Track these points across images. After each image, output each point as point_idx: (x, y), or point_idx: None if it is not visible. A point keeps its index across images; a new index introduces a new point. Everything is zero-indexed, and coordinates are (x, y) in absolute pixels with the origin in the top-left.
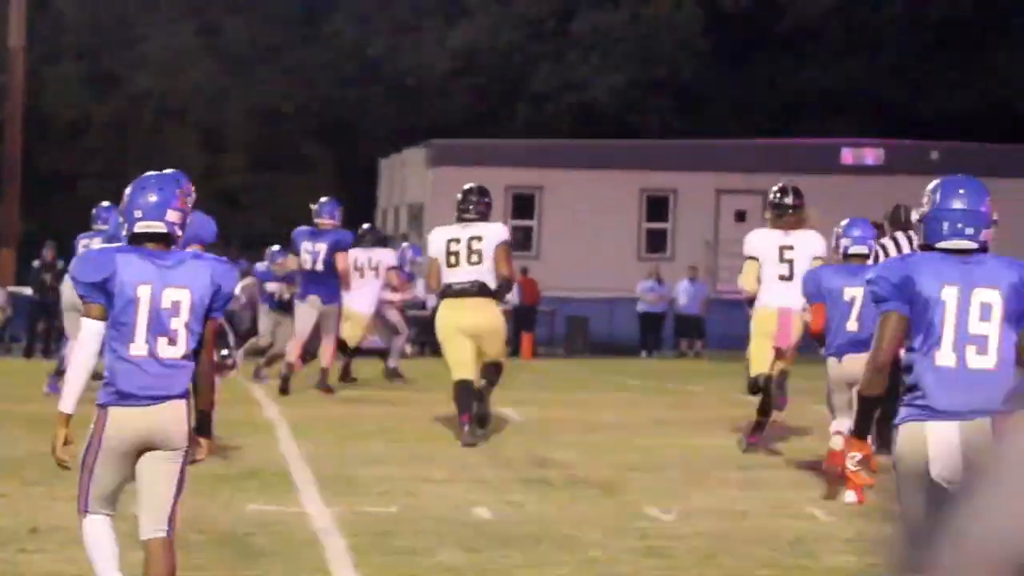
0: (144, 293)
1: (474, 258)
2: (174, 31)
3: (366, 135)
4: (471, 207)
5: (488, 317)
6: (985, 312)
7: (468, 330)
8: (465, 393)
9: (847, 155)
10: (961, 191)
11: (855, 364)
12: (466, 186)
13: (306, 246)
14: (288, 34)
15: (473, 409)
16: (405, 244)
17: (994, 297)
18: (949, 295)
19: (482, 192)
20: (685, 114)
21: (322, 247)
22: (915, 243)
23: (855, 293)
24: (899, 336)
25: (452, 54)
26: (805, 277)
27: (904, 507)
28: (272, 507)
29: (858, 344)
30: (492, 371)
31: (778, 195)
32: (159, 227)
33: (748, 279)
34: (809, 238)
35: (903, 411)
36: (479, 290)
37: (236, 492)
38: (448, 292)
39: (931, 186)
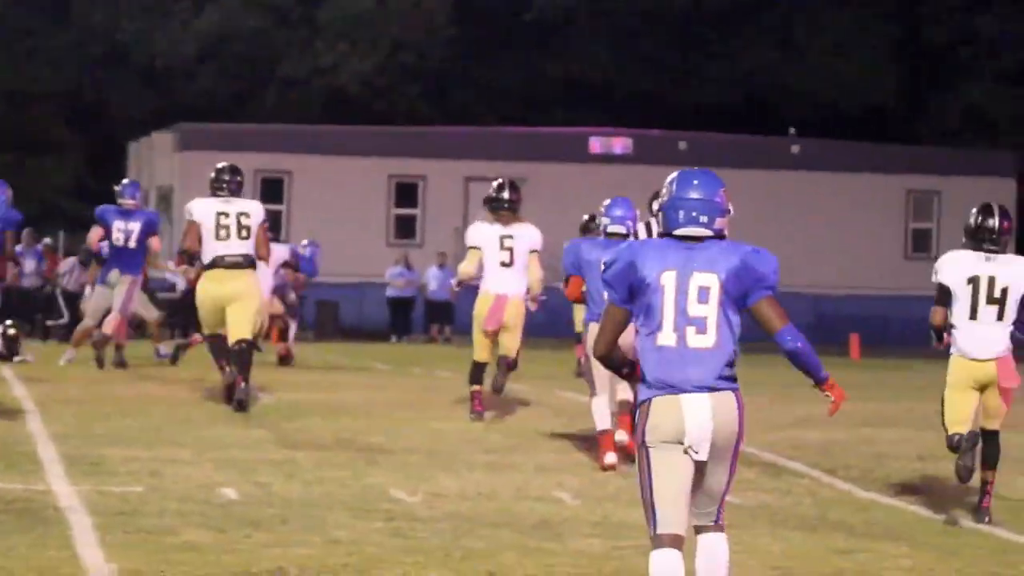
0: None
1: (243, 233)
2: None
3: (115, 118)
4: (224, 184)
5: (250, 287)
6: (703, 295)
7: (228, 298)
8: (219, 346)
9: (595, 144)
10: (695, 182)
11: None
12: (219, 164)
13: (118, 225)
14: (37, 16)
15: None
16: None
17: (712, 281)
18: (668, 279)
19: (234, 170)
20: (434, 101)
21: (135, 227)
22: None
23: None
24: (618, 326)
25: (200, 38)
26: (566, 249)
27: (652, 476)
28: (17, 485)
29: None
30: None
31: (495, 191)
32: None
33: (468, 266)
34: (526, 230)
35: (642, 391)
36: (247, 262)
37: None
38: (219, 263)
39: (669, 178)
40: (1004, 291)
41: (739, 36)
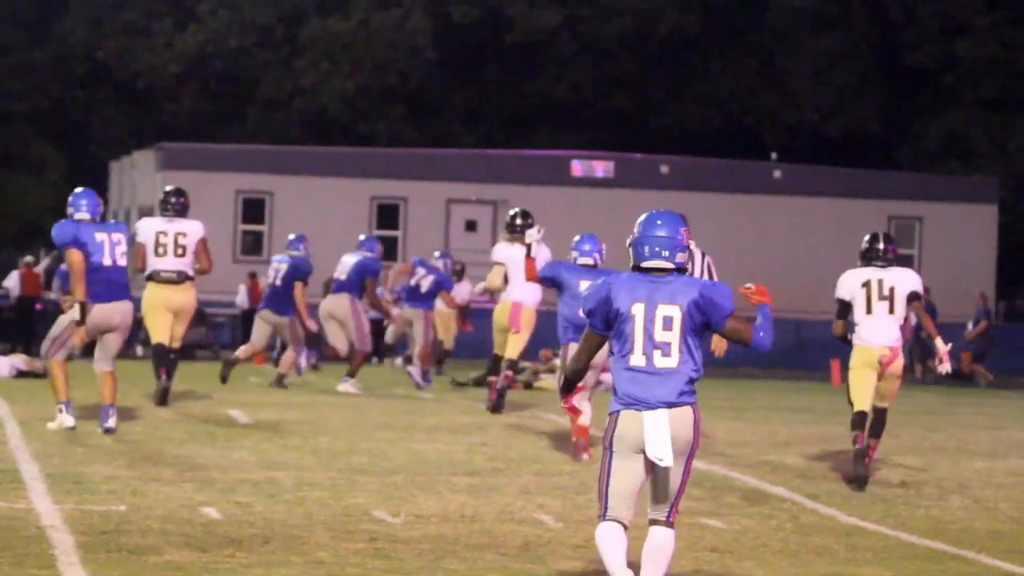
0: None
1: (179, 251)
2: None
3: (97, 137)
4: (169, 205)
5: (188, 301)
6: (667, 323)
7: (173, 309)
8: (161, 354)
9: (577, 168)
10: (659, 221)
11: None
12: (167, 187)
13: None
14: (19, 34)
15: (169, 368)
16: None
17: (675, 311)
18: (638, 310)
19: (179, 192)
20: (415, 123)
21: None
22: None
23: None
24: (593, 348)
25: (182, 57)
26: (546, 265)
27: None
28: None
29: None
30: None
31: (512, 217)
32: None
33: (494, 279)
34: (542, 251)
35: (613, 403)
36: (182, 278)
37: None
38: (156, 277)
39: (640, 219)
40: (891, 290)
41: (721, 60)
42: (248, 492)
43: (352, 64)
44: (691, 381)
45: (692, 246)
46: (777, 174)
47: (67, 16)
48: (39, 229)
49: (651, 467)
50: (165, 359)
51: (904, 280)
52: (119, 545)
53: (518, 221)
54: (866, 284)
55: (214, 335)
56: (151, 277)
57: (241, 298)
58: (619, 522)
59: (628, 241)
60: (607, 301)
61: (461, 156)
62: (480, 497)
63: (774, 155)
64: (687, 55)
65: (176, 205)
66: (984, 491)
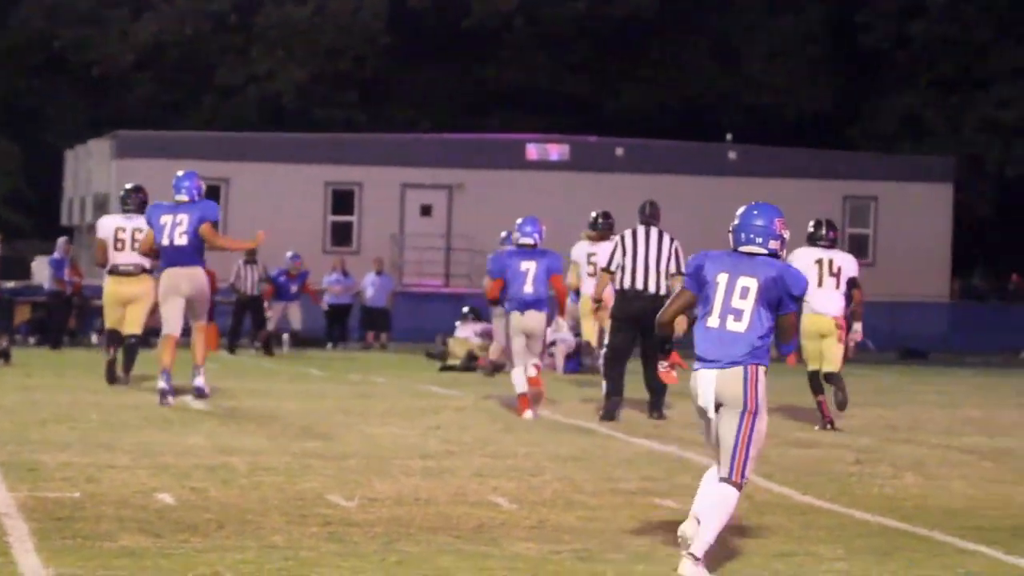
0: None
1: (135, 245)
2: None
3: (52, 126)
4: (128, 203)
5: (142, 290)
6: (744, 292)
7: (127, 300)
8: (112, 336)
9: (532, 151)
10: (755, 212)
11: (531, 319)
12: (126, 185)
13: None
14: None
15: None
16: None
17: (752, 283)
18: (722, 279)
19: (137, 190)
20: (370, 108)
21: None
22: (641, 233)
23: (528, 266)
24: (682, 305)
25: (137, 46)
26: (490, 259)
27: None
28: None
29: (535, 303)
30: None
31: (595, 218)
32: None
33: (572, 277)
34: (604, 247)
35: (695, 363)
36: (139, 270)
37: None
38: (115, 271)
39: (740, 209)
40: (839, 269)
41: (676, 43)
42: (203, 477)
43: (307, 50)
44: (755, 346)
45: (659, 231)
46: (732, 155)
47: (22, 5)
48: None
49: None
50: (117, 339)
51: (848, 263)
52: (74, 531)
53: (599, 221)
54: (818, 262)
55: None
56: (111, 271)
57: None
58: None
59: (729, 227)
60: (700, 268)
61: (415, 141)
62: (434, 480)
63: (729, 136)
64: (642, 38)
65: (135, 202)
66: (938, 469)
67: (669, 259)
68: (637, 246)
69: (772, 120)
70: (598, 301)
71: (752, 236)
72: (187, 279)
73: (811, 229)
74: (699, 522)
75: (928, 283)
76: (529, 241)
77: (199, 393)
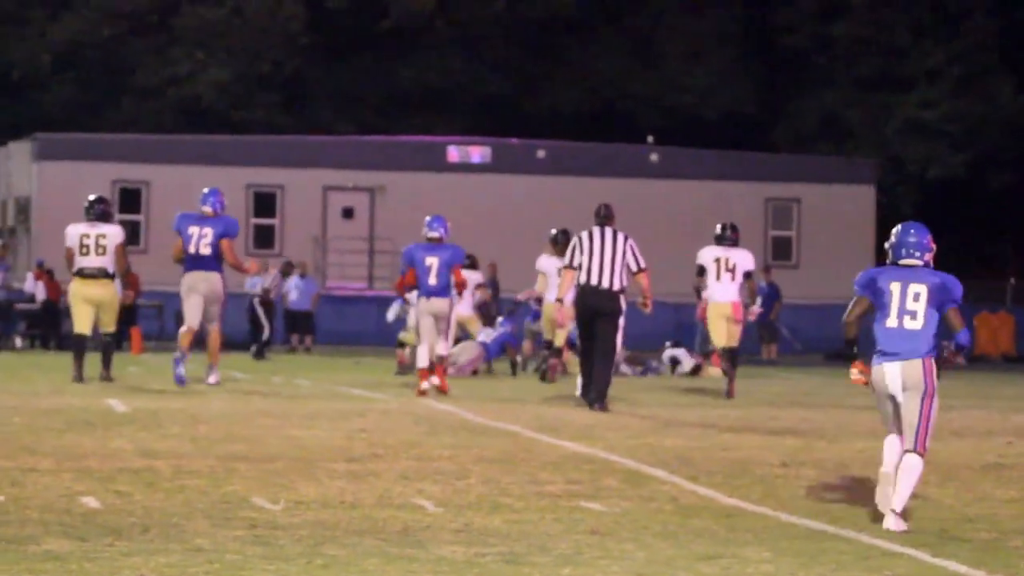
0: None
1: (100, 251)
2: None
3: None
4: (91, 212)
5: (107, 293)
6: (916, 297)
7: (91, 300)
8: (79, 344)
9: (453, 153)
10: (912, 231)
11: (435, 304)
12: (91, 196)
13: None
14: None
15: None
16: None
17: (922, 288)
18: (895, 287)
19: (100, 200)
20: (290, 110)
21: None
22: (596, 233)
23: (432, 261)
24: (860, 311)
25: (56, 47)
26: (404, 252)
27: (880, 410)
28: None
29: (439, 291)
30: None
31: (555, 235)
32: None
33: (540, 285)
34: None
35: (875, 356)
36: (103, 274)
37: None
38: (81, 273)
39: (896, 228)
40: (734, 265)
41: (596, 44)
42: (127, 481)
43: (226, 51)
44: (929, 340)
45: (614, 231)
46: (654, 157)
47: None
48: None
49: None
50: (82, 347)
51: (743, 259)
52: None
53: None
54: (717, 260)
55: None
56: (77, 273)
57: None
58: (896, 435)
59: (887, 244)
60: (873, 280)
61: (337, 143)
62: (359, 483)
63: (651, 138)
64: (563, 38)
65: (97, 211)
66: (864, 471)
67: (624, 255)
68: (593, 245)
69: (693, 121)
70: (560, 300)
71: (911, 251)
72: (204, 281)
73: (718, 231)
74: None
75: (852, 285)
76: (436, 235)
77: (214, 382)
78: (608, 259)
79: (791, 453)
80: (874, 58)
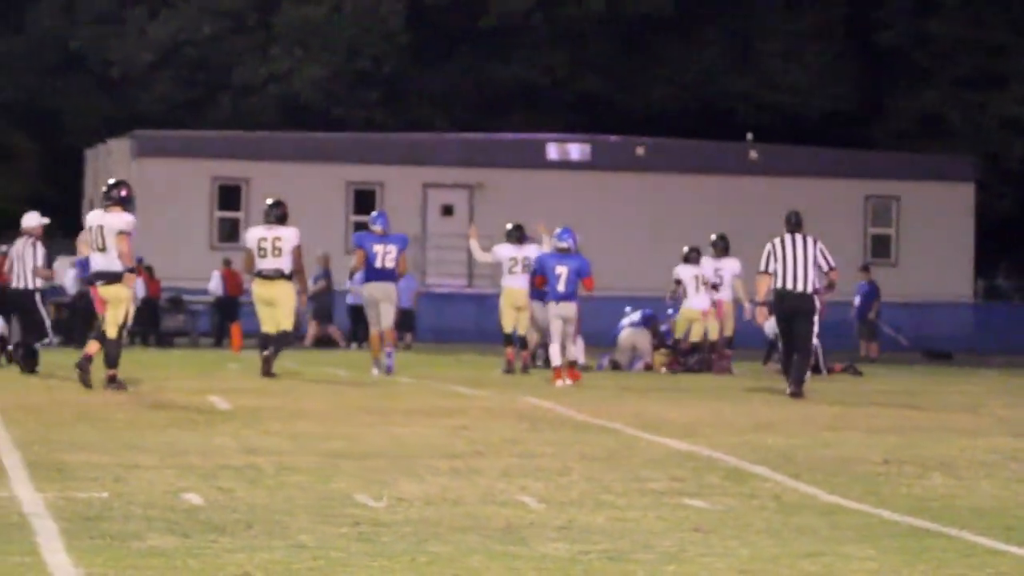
0: None
1: (276, 252)
2: None
3: (71, 126)
4: (271, 214)
5: (283, 293)
6: None
7: (268, 300)
8: (262, 342)
9: (552, 150)
10: None
11: (563, 308)
12: (268, 200)
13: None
14: None
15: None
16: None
17: None
18: None
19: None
20: (389, 107)
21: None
22: (799, 243)
23: (562, 270)
24: None
25: (156, 45)
26: (536, 259)
27: None
28: None
29: (566, 296)
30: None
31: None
32: None
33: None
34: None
35: None
36: (279, 275)
37: None
38: (260, 274)
39: None
40: (722, 276)
41: (694, 41)
42: (230, 477)
43: (325, 49)
44: None
45: (804, 236)
46: (754, 155)
47: (39, 5)
48: (13, 219)
49: None
50: (266, 346)
51: (730, 266)
52: (102, 531)
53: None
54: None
55: (192, 323)
56: (256, 275)
57: (215, 285)
58: None
59: None
60: None
61: (436, 140)
62: (462, 480)
63: (750, 136)
64: (661, 36)
65: (275, 214)
66: (966, 469)
67: (815, 258)
68: (787, 251)
69: (792, 119)
70: (762, 304)
71: None
72: (390, 290)
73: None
74: None
75: (951, 283)
76: (564, 245)
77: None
78: (801, 264)
79: (892, 450)
80: (972, 55)
